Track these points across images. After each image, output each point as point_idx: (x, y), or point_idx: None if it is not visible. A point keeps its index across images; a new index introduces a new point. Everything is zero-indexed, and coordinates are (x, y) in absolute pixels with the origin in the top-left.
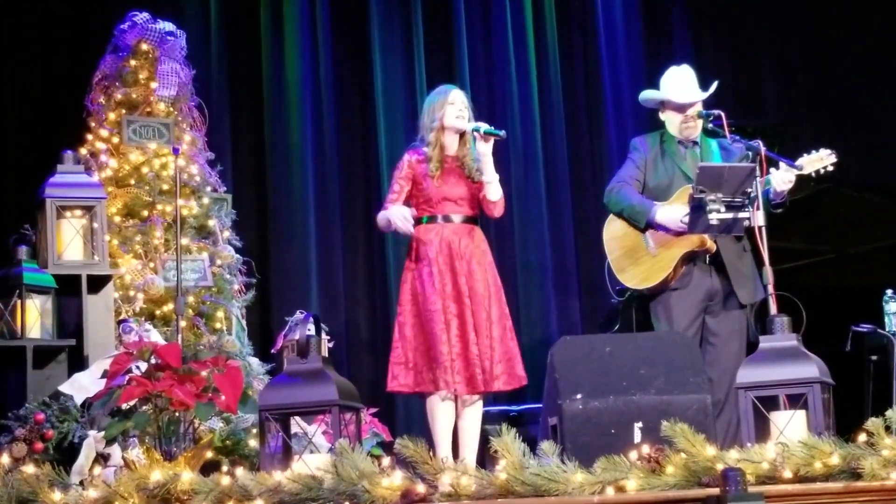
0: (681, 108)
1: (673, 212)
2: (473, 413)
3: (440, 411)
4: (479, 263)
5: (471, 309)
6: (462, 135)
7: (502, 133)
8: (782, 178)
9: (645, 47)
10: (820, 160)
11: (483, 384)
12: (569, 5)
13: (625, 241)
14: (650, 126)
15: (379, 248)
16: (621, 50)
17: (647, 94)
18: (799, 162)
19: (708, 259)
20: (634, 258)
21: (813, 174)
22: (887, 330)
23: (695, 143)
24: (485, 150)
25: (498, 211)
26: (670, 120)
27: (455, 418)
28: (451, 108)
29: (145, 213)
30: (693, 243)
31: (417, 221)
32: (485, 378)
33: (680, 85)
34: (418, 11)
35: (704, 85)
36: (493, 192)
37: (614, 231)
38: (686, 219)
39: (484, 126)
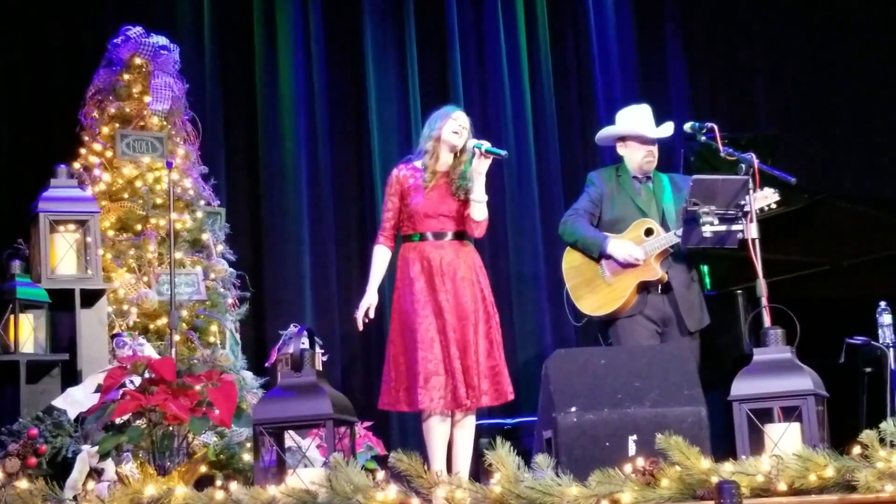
0: (644, 143)
1: (623, 246)
2: (466, 428)
3: (432, 428)
4: (465, 278)
5: (454, 326)
6: (457, 154)
7: (504, 153)
8: None
9: (638, 63)
10: (764, 199)
11: (470, 400)
12: (562, 22)
13: (583, 269)
14: None
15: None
16: (614, 65)
17: (607, 131)
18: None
19: (660, 288)
20: (591, 286)
21: (757, 211)
22: (881, 342)
23: (648, 178)
24: (481, 168)
25: (479, 231)
26: (631, 155)
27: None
28: (452, 122)
29: (139, 227)
30: (645, 274)
31: (404, 239)
32: (472, 394)
33: (645, 121)
34: (412, 27)
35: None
36: (479, 212)
37: (573, 261)
38: (638, 254)
39: (486, 144)
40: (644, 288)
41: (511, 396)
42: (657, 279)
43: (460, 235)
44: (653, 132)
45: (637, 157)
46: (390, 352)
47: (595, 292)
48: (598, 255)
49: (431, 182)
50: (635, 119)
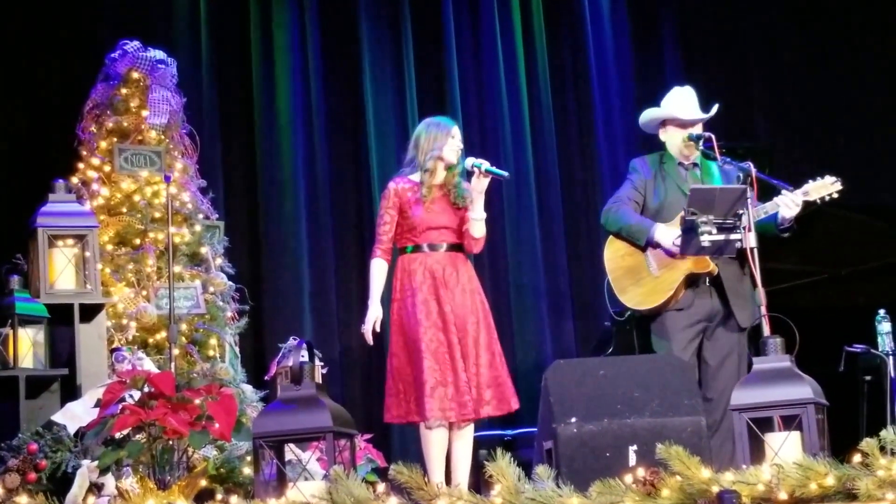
0: (684, 126)
1: (671, 233)
2: (465, 439)
3: (433, 438)
4: (465, 290)
5: (457, 336)
6: (449, 167)
7: (505, 174)
8: (789, 203)
9: (635, 69)
10: (825, 187)
11: (473, 410)
12: (559, 29)
13: (627, 261)
14: (641, 148)
15: None
16: (612, 72)
17: (648, 114)
18: (805, 188)
19: (708, 281)
20: (636, 279)
21: (818, 201)
22: (880, 350)
23: (695, 164)
24: (480, 187)
25: (478, 247)
26: (672, 139)
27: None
28: (453, 142)
29: (137, 241)
30: (697, 266)
31: (402, 251)
32: (475, 404)
33: (685, 103)
34: (409, 37)
35: (705, 107)
36: (479, 229)
37: (616, 251)
38: (678, 241)
39: (485, 164)
40: (693, 281)
41: (515, 406)
42: (708, 271)
43: (457, 247)
44: (694, 114)
45: (677, 142)
46: (393, 364)
47: (640, 285)
48: (644, 243)
49: (430, 196)
50: (676, 102)
